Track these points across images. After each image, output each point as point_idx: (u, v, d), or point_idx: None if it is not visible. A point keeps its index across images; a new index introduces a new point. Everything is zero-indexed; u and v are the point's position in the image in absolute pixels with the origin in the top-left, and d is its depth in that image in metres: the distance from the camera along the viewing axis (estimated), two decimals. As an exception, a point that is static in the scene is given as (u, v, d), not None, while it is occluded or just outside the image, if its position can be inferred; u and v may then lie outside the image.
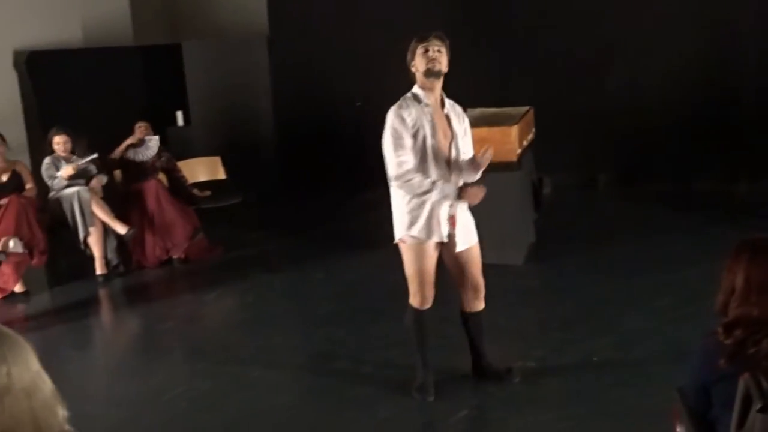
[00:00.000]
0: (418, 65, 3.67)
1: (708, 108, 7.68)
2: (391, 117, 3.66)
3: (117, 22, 8.45)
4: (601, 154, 8.05)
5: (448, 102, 3.78)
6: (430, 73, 3.63)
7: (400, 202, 3.73)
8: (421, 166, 3.63)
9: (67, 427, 1.86)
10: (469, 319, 4.03)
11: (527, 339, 4.62)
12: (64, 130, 6.35)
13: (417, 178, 3.60)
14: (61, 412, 1.85)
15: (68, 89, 7.83)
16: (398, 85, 9.04)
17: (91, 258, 6.24)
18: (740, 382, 2.13)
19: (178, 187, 6.95)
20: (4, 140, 6.25)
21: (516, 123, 6.03)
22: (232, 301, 5.82)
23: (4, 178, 6.18)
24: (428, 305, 3.88)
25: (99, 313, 5.87)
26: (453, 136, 3.71)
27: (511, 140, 5.89)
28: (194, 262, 6.57)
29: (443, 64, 3.65)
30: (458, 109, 3.83)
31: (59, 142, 6.30)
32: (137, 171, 6.70)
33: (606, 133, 7.96)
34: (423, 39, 3.67)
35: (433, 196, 3.63)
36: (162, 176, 6.91)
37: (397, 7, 8.17)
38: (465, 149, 3.79)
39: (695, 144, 7.70)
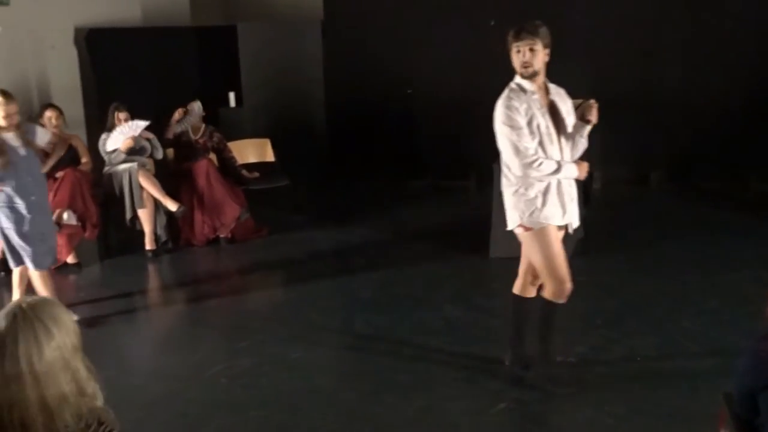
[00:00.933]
0: (514, 63, 3.68)
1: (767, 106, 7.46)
2: (502, 109, 3.64)
3: (175, 3, 8.57)
4: (654, 150, 7.89)
5: (551, 86, 3.77)
6: (523, 76, 3.65)
7: (518, 189, 3.69)
8: (540, 151, 3.63)
9: (98, 403, 1.88)
10: (526, 304, 4.00)
11: (570, 334, 4.56)
12: (126, 107, 6.47)
13: (545, 160, 3.60)
14: (91, 388, 1.86)
15: (125, 67, 7.99)
16: (449, 74, 9.02)
17: (141, 233, 6.38)
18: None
19: (227, 168, 7.05)
20: (61, 113, 6.40)
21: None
22: (275, 282, 5.89)
23: (62, 152, 6.33)
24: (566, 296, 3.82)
25: (147, 288, 6.00)
26: (561, 120, 3.72)
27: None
28: (240, 242, 6.65)
29: (536, 65, 3.61)
30: (561, 91, 3.82)
31: (120, 119, 6.42)
32: (189, 150, 6.80)
33: (661, 129, 7.80)
34: (515, 36, 3.63)
35: (560, 176, 3.63)
36: (212, 156, 7.01)
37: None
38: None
39: (752, 142, 7.50)
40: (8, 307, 1.85)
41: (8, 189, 4.64)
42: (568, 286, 3.79)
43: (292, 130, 8.50)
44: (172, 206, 6.33)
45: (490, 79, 8.11)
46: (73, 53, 8.08)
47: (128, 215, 6.31)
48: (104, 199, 6.42)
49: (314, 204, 7.91)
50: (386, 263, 5.98)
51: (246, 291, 5.67)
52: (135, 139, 6.33)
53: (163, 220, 6.48)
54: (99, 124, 6.73)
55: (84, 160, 6.46)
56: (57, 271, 6.02)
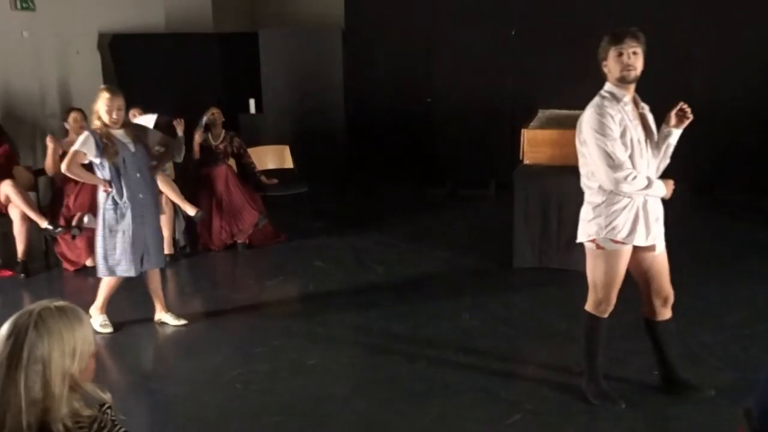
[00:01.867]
0: (612, 68, 3.49)
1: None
2: (595, 116, 3.46)
3: (198, 9, 8.64)
4: (675, 163, 7.80)
5: (639, 101, 3.62)
6: (624, 81, 3.47)
7: (601, 204, 3.55)
8: (630, 164, 3.48)
9: (100, 404, 1.89)
10: (656, 327, 3.82)
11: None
12: (138, 106, 6.55)
13: (639, 175, 3.45)
14: (91, 392, 1.88)
15: (148, 72, 8.06)
16: (469, 82, 8.99)
17: (160, 237, 6.41)
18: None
19: (246, 173, 7.08)
20: (86, 116, 6.47)
21: (588, 126, 5.90)
22: (292, 288, 5.89)
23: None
24: (608, 313, 3.75)
25: (164, 292, 6.01)
26: (651, 133, 3.60)
27: (583, 143, 5.77)
28: (258, 248, 6.67)
29: (638, 69, 3.46)
30: (646, 106, 3.66)
31: (135, 115, 6.49)
32: (208, 155, 6.84)
33: (683, 141, 7.72)
34: (616, 40, 3.46)
35: (649, 192, 3.49)
36: (232, 162, 7.04)
37: (472, 6, 8.11)
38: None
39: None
40: (28, 307, 1.87)
41: (113, 191, 4.68)
42: (607, 315, 3.74)
43: (312, 137, 8.53)
44: (190, 211, 6.36)
45: (510, 88, 8.16)
46: (96, 58, 8.17)
47: None
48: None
49: (333, 211, 7.92)
50: (404, 271, 5.98)
51: (263, 297, 5.67)
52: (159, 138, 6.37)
53: (181, 224, 6.52)
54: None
55: (105, 163, 6.50)
56: (76, 274, 6.09)
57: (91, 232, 6.11)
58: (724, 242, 6.46)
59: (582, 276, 5.59)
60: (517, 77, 8.03)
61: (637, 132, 3.51)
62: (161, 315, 5.10)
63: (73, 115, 6.44)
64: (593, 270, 3.68)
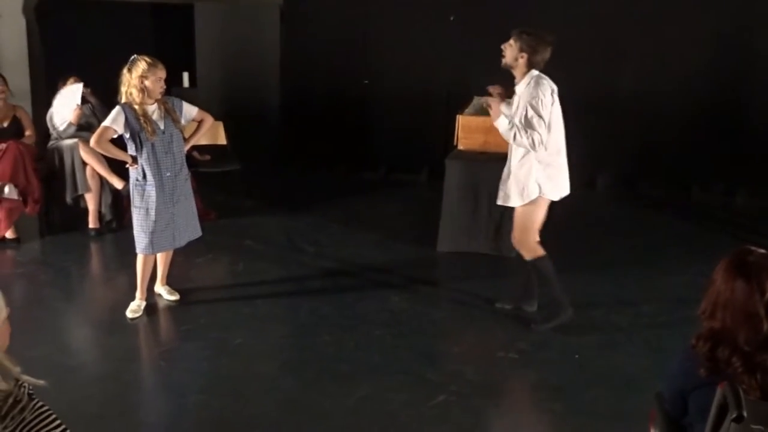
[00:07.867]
0: None
1: (713, 118, 7.66)
2: None
3: (131, -23, 8.38)
4: (602, 156, 8.02)
5: (524, 84, 4.54)
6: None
7: None
8: None
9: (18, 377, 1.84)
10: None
11: (512, 331, 4.63)
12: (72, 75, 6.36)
13: None
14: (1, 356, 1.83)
15: (76, 40, 7.78)
16: (407, 66, 8.97)
17: (85, 211, 6.24)
18: (718, 390, 2.14)
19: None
20: (5, 82, 6.22)
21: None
22: (221, 266, 5.83)
23: (5, 123, 6.15)
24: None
25: (88, 267, 5.88)
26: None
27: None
28: (187, 225, 6.55)
29: (505, 58, 4.59)
30: (531, 91, 4.48)
31: (73, 83, 6.29)
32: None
33: (609, 135, 7.93)
34: None
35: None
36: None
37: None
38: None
39: (697, 153, 7.68)
40: None
41: (139, 167, 4.48)
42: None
43: (246, 114, 8.41)
44: (117, 184, 6.19)
45: (447, 74, 8.21)
46: (21, 23, 7.84)
47: (69, 197, 6.17)
48: (47, 174, 6.26)
49: (265, 190, 7.85)
50: (335, 252, 5.98)
51: (191, 274, 5.58)
52: (81, 108, 6.20)
53: (108, 198, 6.35)
54: (46, 96, 6.56)
55: (28, 132, 6.28)
56: (-5, 246, 5.88)
57: (12, 203, 5.91)
58: (643, 233, 6.67)
59: (507, 262, 5.73)
60: (454, 63, 8.07)
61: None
62: (159, 288, 5.00)
63: (-10, 80, 6.18)
64: None
